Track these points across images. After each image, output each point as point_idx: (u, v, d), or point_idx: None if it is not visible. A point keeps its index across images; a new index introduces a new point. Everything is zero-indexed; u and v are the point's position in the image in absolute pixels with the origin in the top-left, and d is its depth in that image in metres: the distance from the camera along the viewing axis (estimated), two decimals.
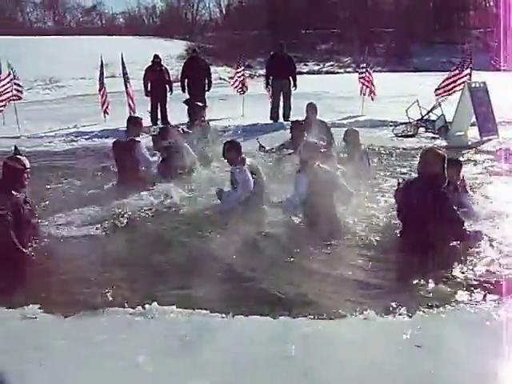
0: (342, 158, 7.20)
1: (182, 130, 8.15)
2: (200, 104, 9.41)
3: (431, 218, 4.72)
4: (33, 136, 12.50)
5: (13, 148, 5.40)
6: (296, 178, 5.60)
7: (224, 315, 3.74)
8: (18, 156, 4.95)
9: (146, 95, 13.32)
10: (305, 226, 5.62)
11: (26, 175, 4.88)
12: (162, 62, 13.79)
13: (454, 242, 4.94)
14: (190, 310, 3.80)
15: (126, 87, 13.29)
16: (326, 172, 5.56)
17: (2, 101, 12.93)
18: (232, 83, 14.49)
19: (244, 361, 3.18)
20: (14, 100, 13.18)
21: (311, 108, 8.95)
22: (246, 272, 4.66)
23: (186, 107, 9.64)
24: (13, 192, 4.76)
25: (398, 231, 5.30)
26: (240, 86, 14.07)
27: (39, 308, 3.95)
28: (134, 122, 7.33)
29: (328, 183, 5.45)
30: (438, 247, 4.76)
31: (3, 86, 12.85)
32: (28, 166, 4.92)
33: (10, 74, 12.94)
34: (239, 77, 14.10)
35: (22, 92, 13.65)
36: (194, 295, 4.17)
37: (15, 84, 13.11)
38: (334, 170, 5.89)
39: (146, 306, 3.85)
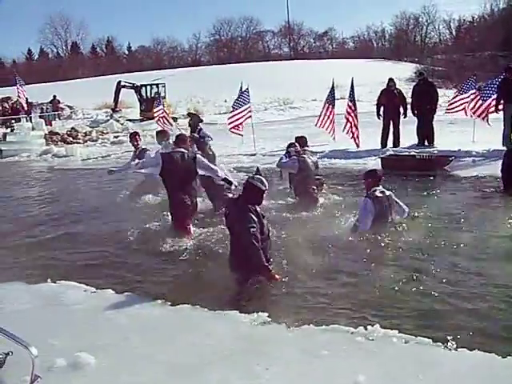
0: None
1: None
2: None
3: None
4: (267, 154, 13.52)
5: (255, 169, 5.91)
6: None
7: (445, 344, 3.65)
8: (261, 177, 5.37)
9: (378, 118, 13.38)
10: None
11: (263, 195, 5.31)
12: None
13: None
14: (411, 336, 3.77)
15: (352, 110, 13.31)
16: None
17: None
18: (451, 108, 13.55)
19: None
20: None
21: None
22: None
23: None
24: (256, 208, 5.17)
25: None
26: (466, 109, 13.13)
27: (268, 316, 4.25)
28: None
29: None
30: None
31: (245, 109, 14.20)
32: (267, 187, 5.34)
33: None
34: (465, 101, 13.12)
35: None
36: (413, 322, 4.14)
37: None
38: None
39: (368, 327, 3.91)
